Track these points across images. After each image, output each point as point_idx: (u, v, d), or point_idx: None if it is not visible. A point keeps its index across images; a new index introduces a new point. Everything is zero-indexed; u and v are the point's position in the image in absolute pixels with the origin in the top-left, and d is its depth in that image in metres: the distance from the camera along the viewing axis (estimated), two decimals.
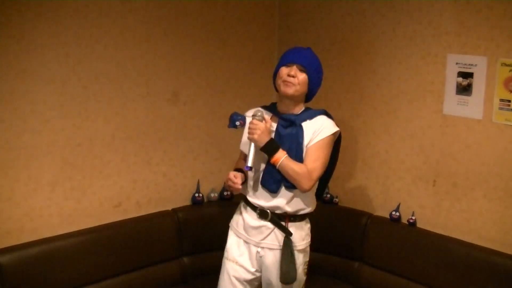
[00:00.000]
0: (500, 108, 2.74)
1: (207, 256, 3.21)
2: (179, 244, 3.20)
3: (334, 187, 3.41)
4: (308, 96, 2.54)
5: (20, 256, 2.62)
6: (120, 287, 2.94)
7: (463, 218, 2.94)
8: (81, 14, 2.77)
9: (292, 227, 2.49)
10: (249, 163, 2.39)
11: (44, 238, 2.74)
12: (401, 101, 3.13)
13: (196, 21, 3.23)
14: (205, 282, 2.98)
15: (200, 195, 3.36)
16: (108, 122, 2.97)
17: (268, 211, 2.48)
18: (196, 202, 3.36)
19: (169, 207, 3.27)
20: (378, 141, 3.26)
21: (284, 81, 2.43)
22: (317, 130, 2.44)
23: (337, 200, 3.44)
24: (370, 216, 3.25)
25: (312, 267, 2.69)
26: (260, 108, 2.55)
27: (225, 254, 2.61)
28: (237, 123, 2.52)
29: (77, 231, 2.87)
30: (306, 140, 2.44)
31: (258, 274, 2.56)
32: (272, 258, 2.49)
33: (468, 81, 2.84)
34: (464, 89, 2.86)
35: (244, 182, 2.53)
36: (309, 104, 2.59)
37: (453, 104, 2.91)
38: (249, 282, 2.56)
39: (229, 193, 3.41)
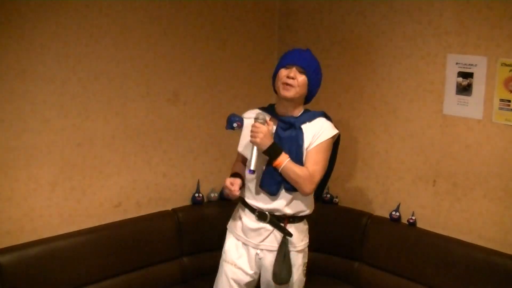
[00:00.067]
0: (500, 108, 2.74)
1: (207, 256, 3.21)
2: (179, 244, 3.20)
3: (334, 187, 3.41)
4: (307, 98, 2.52)
5: (20, 256, 2.62)
6: (120, 287, 2.94)
7: (463, 218, 2.94)
8: (81, 14, 2.77)
9: (291, 228, 2.48)
10: (252, 167, 2.38)
11: (44, 238, 2.74)
12: (401, 101, 3.13)
13: (196, 21, 3.23)
14: (205, 282, 2.98)
15: (200, 195, 3.36)
16: (108, 122, 2.97)
17: (267, 213, 2.47)
18: (196, 202, 3.35)
19: (169, 207, 3.27)
20: (378, 141, 3.26)
21: (284, 84, 2.42)
22: (317, 133, 2.44)
23: (337, 200, 3.44)
24: (370, 216, 3.25)
25: (312, 267, 2.69)
26: (260, 111, 2.51)
27: (223, 257, 2.59)
28: (235, 124, 2.51)
29: (77, 231, 2.87)
30: (306, 143, 2.43)
31: (256, 276, 2.55)
32: (272, 260, 2.48)
33: (468, 81, 2.84)
34: (464, 89, 2.86)
35: (242, 186, 2.51)
36: (309, 103, 2.59)
37: (453, 104, 2.91)
38: (247, 284, 2.55)
39: None
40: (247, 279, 2.54)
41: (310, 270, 2.65)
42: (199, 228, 3.26)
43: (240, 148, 2.57)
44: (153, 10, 3.04)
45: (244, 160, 2.57)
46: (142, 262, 3.04)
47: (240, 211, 2.57)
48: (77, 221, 2.90)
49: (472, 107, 2.84)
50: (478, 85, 2.80)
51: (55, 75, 2.74)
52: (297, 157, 2.41)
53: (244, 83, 3.51)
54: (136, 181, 3.13)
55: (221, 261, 2.60)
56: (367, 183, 3.34)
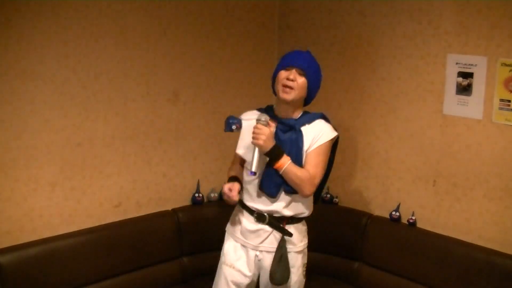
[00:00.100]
0: (500, 108, 2.74)
1: (207, 256, 3.20)
2: (179, 244, 3.20)
3: (334, 187, 3.41)
4: (307, 100, 2.50)
5: (20, 256, 2.62)
6: (120, 287, 2.94)
7: (463, 218, 2.94)
8: (81, 14, 2.77)
9: (289, 228, 2.47)
10: (254, 168, 2.37)
11: (44, 238, 2.75)
12: (401, 101, 3.13)
13: (196, 21, 3.23)
14: (205, 282, 2.97)
15: (200, 195, 3.36)
16: (108, 122, 2.97)
17: (266, 214, 2.46)
18: (196, 202, 3.35)
19: (169, 207, 3.27)
20: (378, 141, 3.26)
21: (283, 86, 2.40)
22: (317, 136, 2.43)
23: (337, 200, 3.44)
24: (370, 216, 3.25)
25: (312, 267, 2.69)
26: (260, 113, 2.48)
27: (222, 259, 2.58)
28: (234, 127, 2.49)
29: (77, 231, 2.87)
30: (305, 145, 2.42)
31: (255, 278, 2.55)
32: (271, 261, 2.46)
33: (468, 81, 2.84)
34: (464, 89, 2.86)
35: (241, 189, 2.50)
36: (308, 105, 2.58)
37: (453, 104, 2.91)
38: (246, 286, 2.54)
39: None
40: (245, 281, 2.53)
41: (310, 270, 2.65)
42: (199, 228, 3.26)
43: (239, 150, 2.54)
44: (153, 10, 3.04)
45: (242, 162, 2.55)
46: (142, 262, 3.04)
47: (239, 213, 2.56)
48: (77, 221, 2.90)
49: (472, 107, 2.84)
50: (478, 85, 2.80)
51: (55, 75, 2.74)
52: (297, 160, 2.40)
53: (244, 83, 3.51)
54: (136, 181, 3.13)
55: (219, 263, 2.59)
56: (367, 183, 3.34)
